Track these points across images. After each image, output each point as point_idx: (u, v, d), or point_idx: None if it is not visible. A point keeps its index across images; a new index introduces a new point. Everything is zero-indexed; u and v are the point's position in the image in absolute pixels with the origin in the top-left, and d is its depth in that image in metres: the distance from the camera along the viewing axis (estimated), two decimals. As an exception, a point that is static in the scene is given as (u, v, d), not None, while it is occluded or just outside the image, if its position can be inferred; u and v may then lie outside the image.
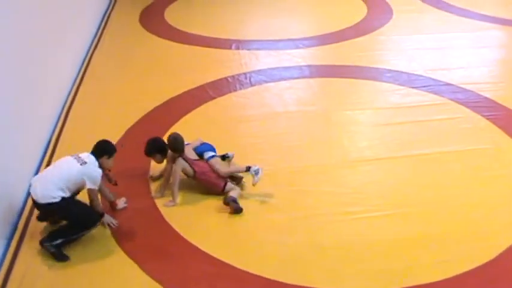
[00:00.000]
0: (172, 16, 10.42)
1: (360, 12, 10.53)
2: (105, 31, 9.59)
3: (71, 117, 6.61)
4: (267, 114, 6.73)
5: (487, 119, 6.55)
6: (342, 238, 4.72)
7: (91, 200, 4.68)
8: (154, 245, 4.65)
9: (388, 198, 5.21)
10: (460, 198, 5.21)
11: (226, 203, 5.02)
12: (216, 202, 5.13)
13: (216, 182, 5.25)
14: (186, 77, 7.46)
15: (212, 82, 7.44)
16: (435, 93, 7.18)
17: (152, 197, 5.19)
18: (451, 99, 7.01)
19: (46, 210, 4.67)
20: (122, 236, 4.68)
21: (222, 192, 5.19)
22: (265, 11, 10.92)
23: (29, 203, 5.07)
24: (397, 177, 5.55)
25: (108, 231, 4.75)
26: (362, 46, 8.91)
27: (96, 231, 4.70)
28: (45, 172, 4.80)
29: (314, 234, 4.76)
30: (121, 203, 5.07)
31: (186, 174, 5.30)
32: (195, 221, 4.93)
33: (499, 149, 6.00)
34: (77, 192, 4.72)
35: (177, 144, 5.29)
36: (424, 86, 7.37)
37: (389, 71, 7.89)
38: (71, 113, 6.70)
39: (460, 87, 7.33)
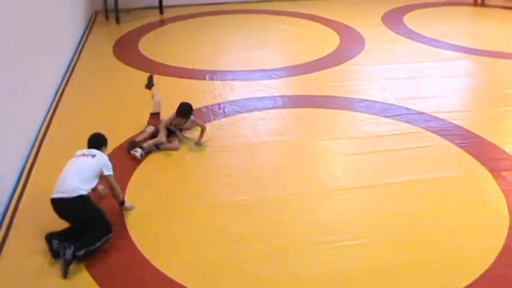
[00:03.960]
0: (146, 47, 10.45)
1: (332, 42, 10.68)
2: (78, 62, 9.56)
3: (43, 149, 6.53)
4: (241, 144, 6.73)
5: (459, 146, 6.63)
6: (319, 267, 4.69)
7: (111, 188, 5.11)
8: (131, 279, 4.55)
9: (364, 226, 5.21)
10: (434, 226, 5.23)
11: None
12: (191, 233, 5.10)
13: None
14: (161, 108, 7.44)
15: (186, 112, 7.43)
16: (408, 122, 7.27)
17: (128, 230, 5.12)
18: (424, 128, 7.09)
19: (71, 208, 4.72)
20: (97, 270, 4.57)
21: None
22: (239, 42, 11.01)
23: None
24: (373, 205, 5.57)
25: (82, 265, 4.62)
26: (335, 76, 9.00)
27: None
28: (63, 174, 4.91)
29: (290, 264, 4.72)
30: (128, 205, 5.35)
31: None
32: (171, 253, 4.86)
33: (471, 176, 6.07)
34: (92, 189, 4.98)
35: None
36: (396, 115, 7.45)
37: (363, 100, 7.97)
38: (43, 145, 6.62)
39: (432, 116, 7.43)
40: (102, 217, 4.76)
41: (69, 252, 4.42)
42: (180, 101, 6.69)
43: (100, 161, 5.03)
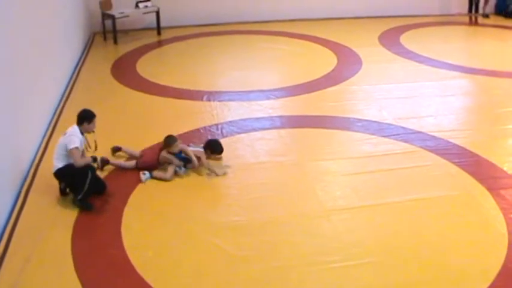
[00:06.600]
0: (144, 68, 10.50)
1: (330, 62, 10.73)
2: (76, 82, 9.60)
3: (42, 168, 6.51)
4: (239, 165, 6.72)
5: (457, 165, 6.63)
6: (318, 289, 4.67)
7: (73, 160, 5.62)
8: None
9: (363, 246, 5.20)
10: (433, 245, 5.22)
11: None
12: (189, 254, 5.08)
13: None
14: (158, 129, 7.43)
15: (184, 133, 7.44)
16: (405, 141, 7.28)
17: (125, 250, 5.10)
18: (421, 147, 7.10)
19: (57, 177, 5.81)
20: (92, 292, 4.57)
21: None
22: (236, 63, 11.06)
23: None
24: (371, 225, 5.56)
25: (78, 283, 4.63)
26: (333, 96, 9.04)
27: (67, 282, 4.63)
28: None
29: (289, 286, 4.70)
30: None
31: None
32: (169, 274, 4.83)
33: (469, 194, 6.06)
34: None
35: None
36: (394, 135, 7.47)
37: (360, 120, 7.99)
38: (42, 164, 6.62)
39: (429, 135, 7.45)
40: (78, 173, 5.62)
41: (76, 201, 5.70)
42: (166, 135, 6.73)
43: (66, 139, 5.67)
